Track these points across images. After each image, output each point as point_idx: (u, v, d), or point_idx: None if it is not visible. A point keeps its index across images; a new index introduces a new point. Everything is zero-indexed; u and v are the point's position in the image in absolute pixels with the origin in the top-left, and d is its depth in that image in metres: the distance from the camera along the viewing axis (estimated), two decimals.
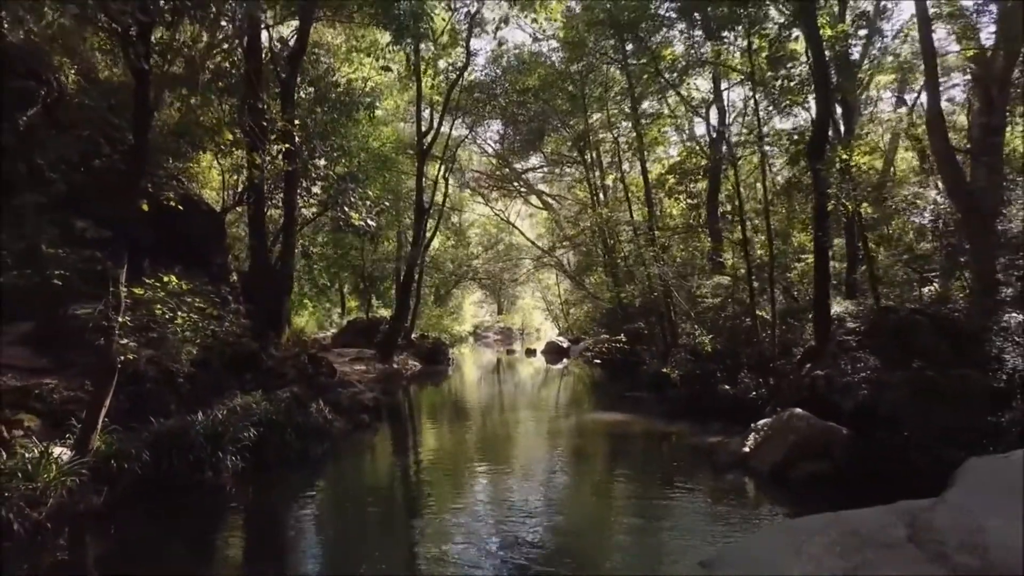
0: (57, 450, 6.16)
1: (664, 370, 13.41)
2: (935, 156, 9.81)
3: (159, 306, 6.87)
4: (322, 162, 13.25)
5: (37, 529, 5.47)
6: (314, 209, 16.50)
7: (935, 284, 10.90)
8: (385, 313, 25.80)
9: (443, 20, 18.92)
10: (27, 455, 5.91)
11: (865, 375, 8.07)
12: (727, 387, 11.68)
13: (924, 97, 18.17)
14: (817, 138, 11.08)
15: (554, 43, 21.27)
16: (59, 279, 6.40)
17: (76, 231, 6.06)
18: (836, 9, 14.76)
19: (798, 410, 8.04)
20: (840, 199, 10.54)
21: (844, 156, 11.14)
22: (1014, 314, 7.93)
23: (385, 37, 13.51)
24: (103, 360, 6.08)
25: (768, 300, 13.62)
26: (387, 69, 13.03)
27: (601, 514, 6.87)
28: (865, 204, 11.36)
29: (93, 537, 5.90)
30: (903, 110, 19.54)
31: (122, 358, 6.29)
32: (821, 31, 12.53)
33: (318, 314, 26.62)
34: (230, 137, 7.91)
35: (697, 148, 17.67)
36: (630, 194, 19.67)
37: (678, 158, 18.00)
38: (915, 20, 17.58)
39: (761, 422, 8.33)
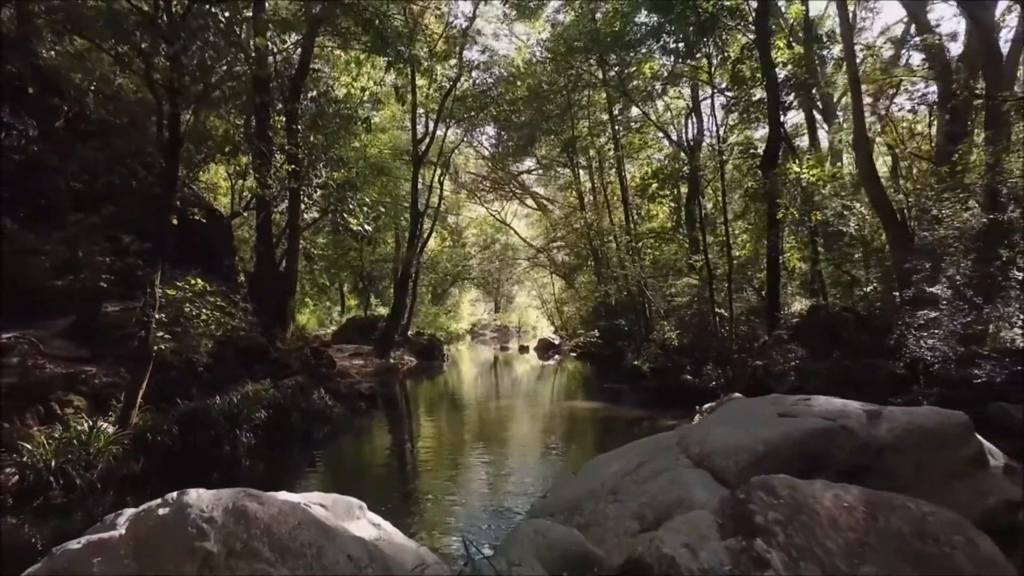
0: (103, 425, 7.38)
1: (635, 363, 14.63)
2: (860, 173, 11.01)
3: (188, 305, 8.10)
4: (323, 170, 14.45)
5: (91, 487, 6.70)
6: (315, 214, 17.73)
7: (875, 285, 12.11)
8: (383, 311, 26.97)
9: (437, 34, 20.21)
10: (79, 428, 7.13)
11: (794, 364, 9.30)
12: (689, 377, 12.90)
13: (896, 103, 19.46)
14: (769, 152, 12.29)
15: (541, 53, 22.53)
16: (104, 282, 7.59)
17: (122, 244, 7.25)
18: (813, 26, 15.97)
19: (736, 394, 9.22)
20: (788, 207, 11.76)
21: (796, 169, 12.37)
22: (927, 312, 9.14)
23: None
24: (142, 349, 7.29)
25: (735, 299, 14.86)
26: (379, 102, 14.19)
27: (560, 472, 8.14)
28: (816, 212, 12.57)
29: (134, 495, 7.10)
30: (872, 118, 20.70)
31: (157, 348, 7.50)
32: (779, 53, 13.79)
33: (319, 312, 27.85)
34: (244, 160, 9.08)
35: (676, 155, 18.89)
36: (614, 198, 20.89)
37: (663, 162, 19.25)
38: (885, 35, 18.69)
39: (706, 406, 9.53)
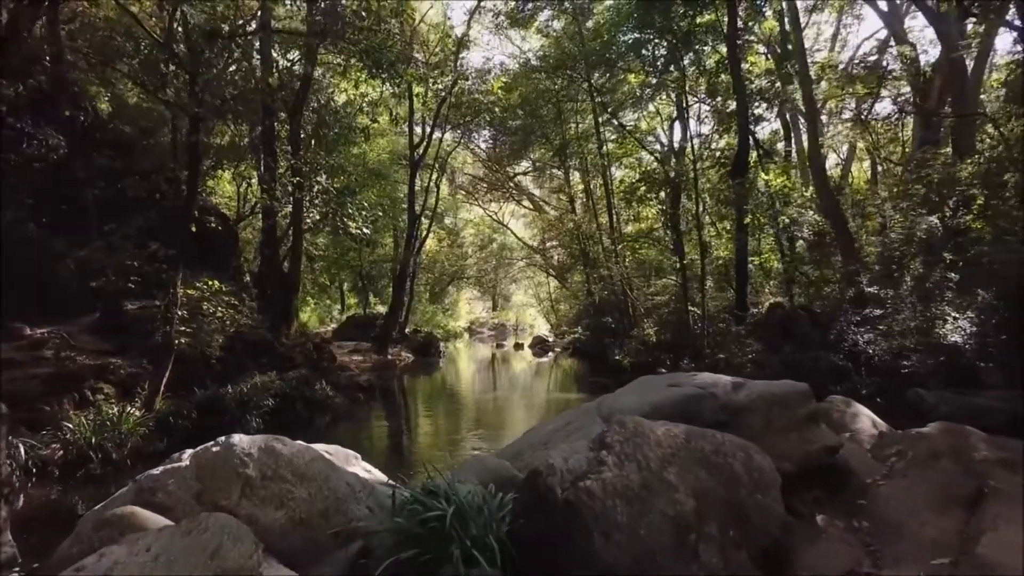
0: (130, 409, 8.36)
1: (617, 358, 15.61)
2: (815, 185, 11.98)
3: (205, 303, 9.08)
4: (323, 177, 15.41)
5: (124, 461, 7.68)
6: (316, 216, 18.69)
7: (836, 285, 13.07)
8: (382, 310, 27.91)
9: (435, 39, 21.26)
10: (110, 412, 8.10)
11: (751, 357, 10.27)
12: (662, 371, 13.88)
13: (876, 110, 20.39)
14: (739, 161, 13.24)
15: (534, 61, 23.52)
16: (132, 283, 8.58)
17: (149, 250, 8.23)
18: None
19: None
20: (755, 213, 12.72)
21: (764, 177, 13.32)
22: (871, 310, 10.11)
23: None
24: (165, 342, 8.27)
25: (716, 298, 15.82)
26: (375, 121, 15.16)
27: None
28: (782, 217, 13.53)
29: None
30: (845, 126, 21.65)
31: (177, 342, 8.47)
32: (753, 67, 14.73)
33: (319, 310, 28.83)
34: (254, 172, 10.05)
35: (667, 159, 19.84)
36: (601, 203, 21.86)
37: (651, 165, 20.21)
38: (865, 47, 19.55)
39: None
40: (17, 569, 4.44)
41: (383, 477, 3.97)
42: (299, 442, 3.59)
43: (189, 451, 3.51)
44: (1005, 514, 3.48)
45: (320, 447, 3.84)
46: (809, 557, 3.30)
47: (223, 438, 3.44)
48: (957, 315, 9.37)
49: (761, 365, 9.97)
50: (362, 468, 3.99)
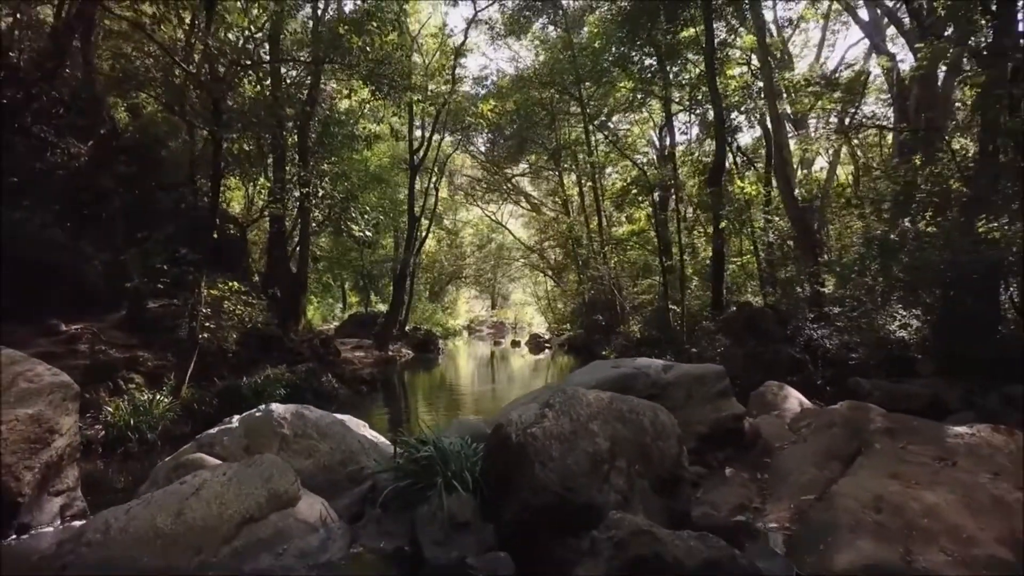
0: (159, 397, 9.36)
1: (603, 353, 16.61)
2: (780, 192, 12.96)
3: (226, 301, 10.09)
4: (327, 184, 16.41)
5: (156, 442, 8.69)
6: (320, 218, 19.68)
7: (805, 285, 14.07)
8: (383, 308, 28.95)
9: (433, 48, 22.30)
10: (142, 399, 9.10)
11: (720, 351, 11.26)
12: None
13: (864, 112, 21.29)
14: (715, 169, 14.21)
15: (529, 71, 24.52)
16: (161, 284, 9.61)
17: (177, 254, 9.24)
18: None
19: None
20: (729, 218, 13.70)
21: (740, 184, 14.29)
22: (830, 308, 11.10)
23: None
24: (191, 337, 9.27)
25: (698, 296, 16.82)
26: (377, 137, 16.17)
27: None
28: (755, 222, 14.53)
29: None
30: (826, 130, 22.58)
31: (201, 336, 9.48)
32: (731, 81, 15.69)
33: (322, 309, 29.85)
34: (267, 185, 11.05)
35: (641, 168, 20.84)
36: (591, 208, 22.86)
37: (642, 168, 21.22)
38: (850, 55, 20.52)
39: None
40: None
41: (387, 442, 4.98)
42: (320, 410, 4.60)
43: (237, 416, 4.52)
44: (867, 464, 4.49)
45: (337, 416, 4.85)
46: (712, 496, 4.32)
47: (263, 406, 4.44)
48: (905, 313, 10.37)
49: (728, 358, 10.94)
50: (370, 433, 5.00)
